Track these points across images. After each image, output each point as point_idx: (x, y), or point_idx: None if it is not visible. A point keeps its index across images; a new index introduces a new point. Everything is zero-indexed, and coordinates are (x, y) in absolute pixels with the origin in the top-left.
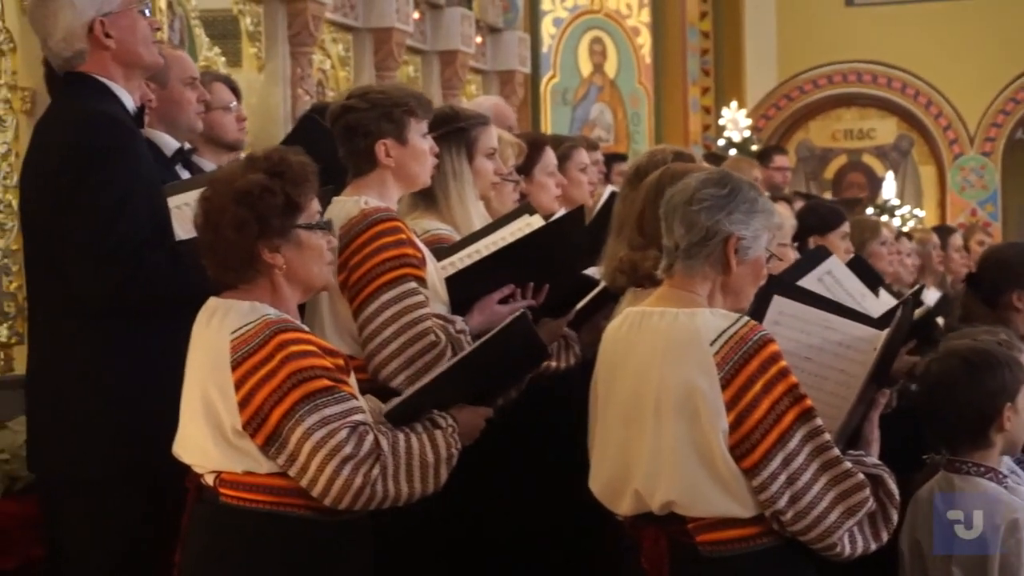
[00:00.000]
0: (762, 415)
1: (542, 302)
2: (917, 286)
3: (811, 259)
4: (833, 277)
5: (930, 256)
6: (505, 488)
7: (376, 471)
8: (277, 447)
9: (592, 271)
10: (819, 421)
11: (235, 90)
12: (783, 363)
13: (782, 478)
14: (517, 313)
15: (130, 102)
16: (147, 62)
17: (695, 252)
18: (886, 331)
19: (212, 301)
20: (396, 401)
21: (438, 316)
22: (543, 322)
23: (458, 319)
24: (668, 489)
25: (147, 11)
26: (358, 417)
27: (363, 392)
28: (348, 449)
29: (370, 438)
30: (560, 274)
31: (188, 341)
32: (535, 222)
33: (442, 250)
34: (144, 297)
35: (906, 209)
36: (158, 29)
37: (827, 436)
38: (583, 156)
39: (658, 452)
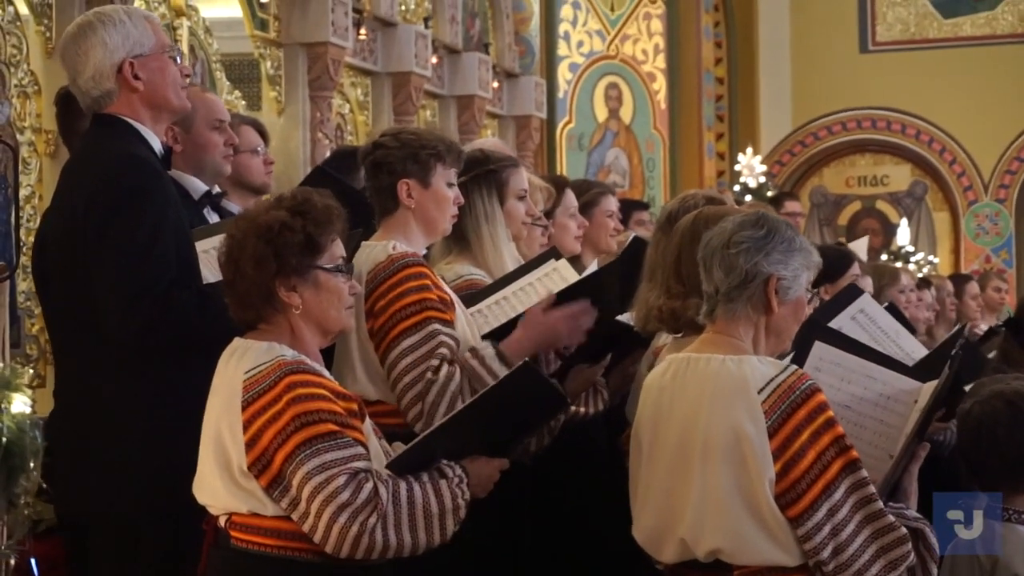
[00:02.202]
0: (809, 464)
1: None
2: (962, 340)
3: (843, 298)
4: (866, 315)
5: (944, 303)
6: (527, 533)
7: (373, 519)
8: (281, 490)
9: (624, 317)
10: (864, 472)
11: (263, 134)
12: (830, 413)
13: (827, 529)
14: (520, 363)
15: (157, 144)
16: (175, 106)
17: (736, 295)
18: (931, 383)
19: (236, 341)
20: (400, 452)
21: (471, 351)
22: (578, 369)
23: (487, 350)
24: (715, 536)
25: (178, 58)
26: (359, 464)
27: (399, 438)
28: (345, 496)
29: (369, 486)
30: (598, 324)
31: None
32: (561, 267)
33: (469, 296)
34: (172, 338)
35: (920, 256)
36: (188, 76)
37: (871, 488)
38: (611, 203)
39: (704, 499)
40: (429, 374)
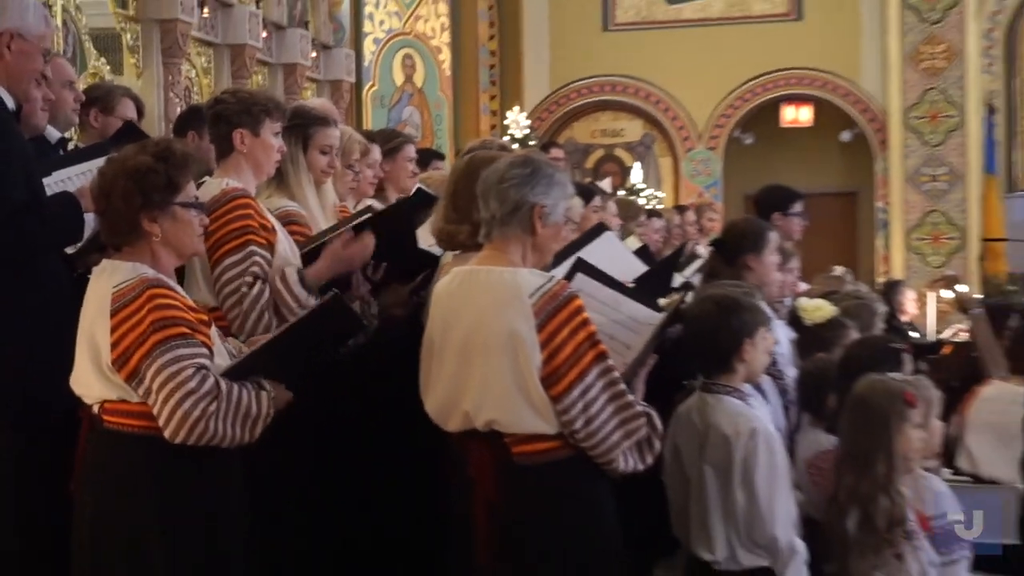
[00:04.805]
0: (568, 355)
1: (383, 274)
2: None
3: (591, 233)
4: (603, 247)
5: (671, 231)
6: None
7: (212, 408)
8: (137, 382)
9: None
10: (611, 362)
11: (139, 109)
12: (585, 315)
13: (580, 405)
14: (331, 293)
15: (10, 101)
16: (23, 90)
17: (508, 220)
18: (662, 315)
19: (105, 262)
20: (229, 364)
21: (280, 274)
22: (393, 287)
23: (289, 272)
24: (492, 410)
25: (47, 57)
26: (204, 361)
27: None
28: (191, 384)
29: (211, 380)
30: (400, 249)
31: (53, 297)
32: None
33: (303, 243)
34: (21, 255)
35: (649, 191)
36: (46, 78)
37: (616, 374)
38: (411, 151)
39: (485, 382)
40: (244, 288)
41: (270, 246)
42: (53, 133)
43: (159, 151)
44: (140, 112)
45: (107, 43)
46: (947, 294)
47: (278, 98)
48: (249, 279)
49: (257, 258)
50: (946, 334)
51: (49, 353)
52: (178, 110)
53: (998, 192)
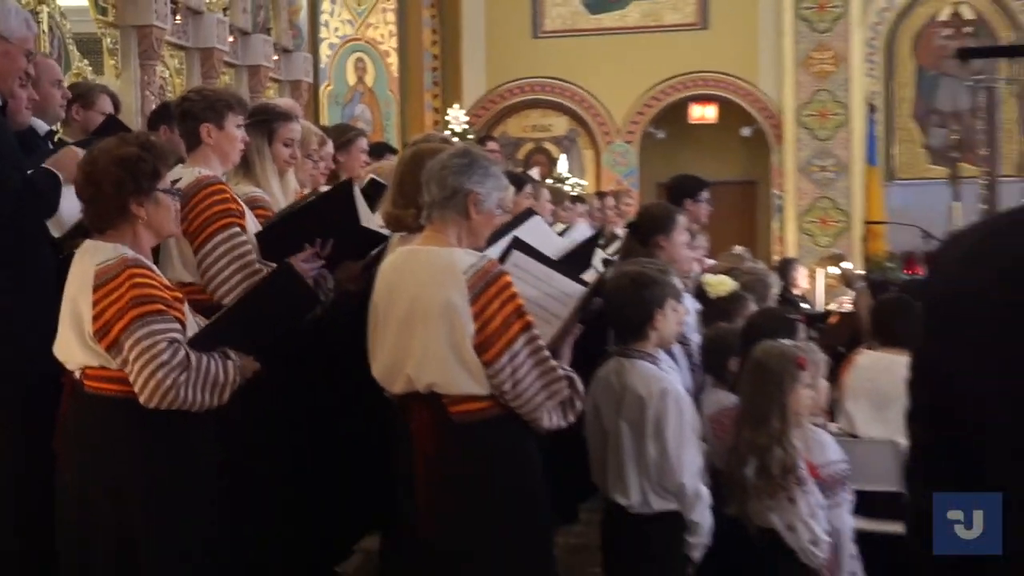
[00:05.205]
0: (498, 325)
1: (332, 252)
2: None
3: (521, 217)
4: (531, 229)
5: (593, 214)
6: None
7: (183, 377)
8: (116, 352)
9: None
10: (537, 332)
11: (116, 104)
12: (513, 290)
13: (508, 369)
14: (283, 263)
15: None
16: (3, 88)
17: (446, 204)
18: (586, 288)
19: (87, 243)
20: (195, 333)
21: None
22: (345, 264)
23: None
24: (431, 374)
25: (30, 58)
26: (177, 335)
27: (202, 311)
28: (164, 357)
29: (183, 352)
30: (344, 229)
31: (44, 291)
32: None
33: (270, 217)
34: (21, 257)
35: (574, 180)
36: (30, 77)
37: (542, 342)
38: (364, 143)
39: (425, 349)
40: (258, 265)
41: (244, 228)
42: (42, 126)
43: (142, 143)
44: (117, 107)
45: (89, 46)
46: (834, 271)
47: (239, 94)
48: (256, 256)
49: (245, 237)
50: (833, 306)
51: (48, 353)
52: (153, 107)
53: (879, 181)
